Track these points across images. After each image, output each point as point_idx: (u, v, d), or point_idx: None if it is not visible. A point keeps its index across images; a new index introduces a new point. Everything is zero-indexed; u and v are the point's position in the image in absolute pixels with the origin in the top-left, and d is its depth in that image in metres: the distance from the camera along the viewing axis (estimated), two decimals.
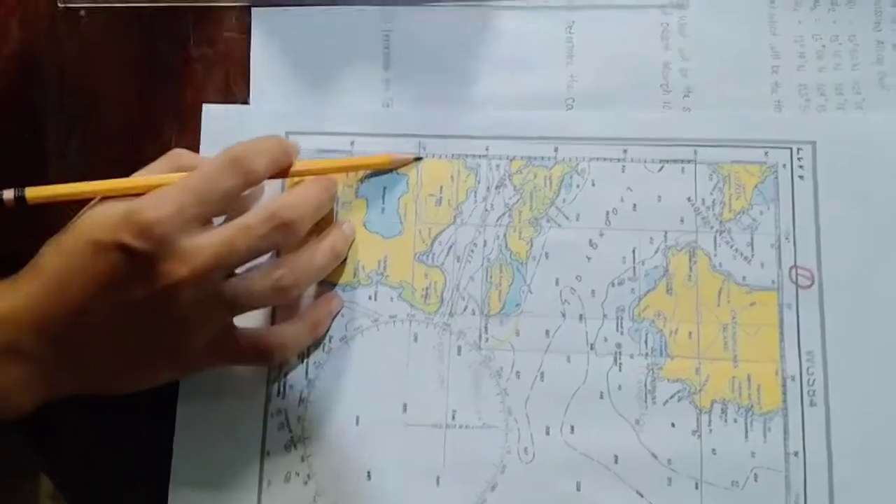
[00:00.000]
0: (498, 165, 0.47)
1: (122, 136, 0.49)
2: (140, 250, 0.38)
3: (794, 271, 0.45)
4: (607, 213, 0.46)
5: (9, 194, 0.41)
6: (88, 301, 0.39)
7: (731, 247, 0.45)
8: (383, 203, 0.47)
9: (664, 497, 0.43)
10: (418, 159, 0.47)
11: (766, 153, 0.46)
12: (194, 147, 0.48)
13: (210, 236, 0.40)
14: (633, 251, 0.46)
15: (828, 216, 0.45)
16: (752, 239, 0.45)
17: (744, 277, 0.45)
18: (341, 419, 0.45)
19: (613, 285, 0.46)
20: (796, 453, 0.43)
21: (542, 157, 0.47)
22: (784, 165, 0.46)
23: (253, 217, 0.40)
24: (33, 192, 0.41)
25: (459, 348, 0.45)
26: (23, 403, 0.40)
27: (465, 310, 0.46)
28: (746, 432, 0.44)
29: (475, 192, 0.47)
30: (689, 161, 0.46)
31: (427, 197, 0.47)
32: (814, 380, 0.44)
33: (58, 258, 0.40)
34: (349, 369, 0.46)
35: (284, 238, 0.41)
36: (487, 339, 0.45)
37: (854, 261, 0.45)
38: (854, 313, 0.44)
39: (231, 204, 0.42)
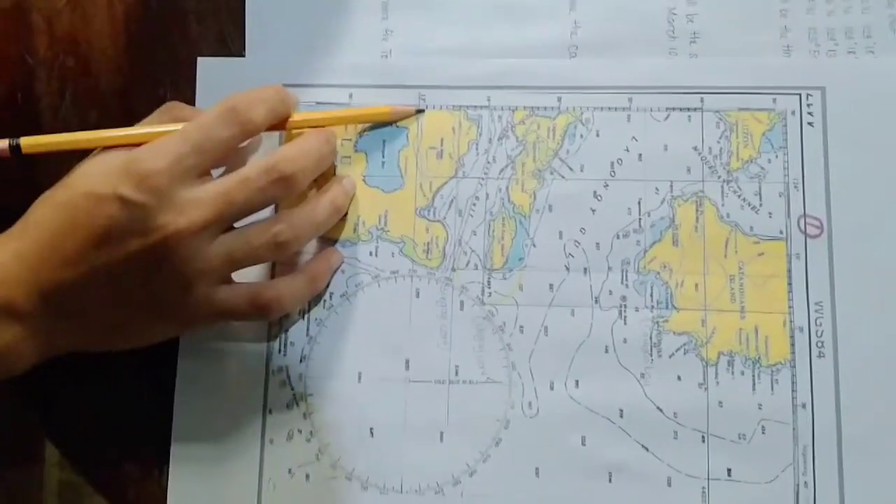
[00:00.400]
0: (500, 116, 0.46)
1: (116, 93, 0.48)
2: (138, 201, 0.37)
3: (802, 220, 0.44)
4: (612, 163, 0.45)
5: (3, 144, 0.40)
6: (85, 255, 0.38)
7: (739, 196, 0.44)
8: (383, 157, 0.46)
9: (670, 450, 0.43)
10: (420, 111, 0.46)
11: (774, 100, 0.45)
12: (189, 103, 0.47)
13: (208, 188, 0.39)
14: (639, 202, 0.45)
15: (837, 163, 0.44)
16: (760, 188, 0.44)
17: (751, 227, 0.44)
18: (343, 376, 0.44)
19: (618, 237, 0.45)
20: (804, 405, 0.43)
21: (546, 108, 0.46)
22: (793, 112, 0.45)
23: (252, 170, 0.40)
24: (29, 142, 0.40)
25: (462, 303, 0.45)
26: (18, 362, 0.39)
27: (467, 265, 0.45)
28: (754, 384, 0.43)
29: (477, 144, 0.46)
30: (695, 109, 0.45)
31: (428, 150, 0.46)
32: (822, 331, 0.43)
33: (52, 212, 0.39)
34: (351, 326, 0.45)
35: (284, 192, 0.40)
36: (490, 294, 0.45)
37: (864, 209, 0.44)
38: (864, 263, 0.43)
39: (229, 155, 0.41)
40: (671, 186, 0.45)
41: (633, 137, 0.45)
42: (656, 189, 0.45)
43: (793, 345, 0.43)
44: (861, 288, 0.43)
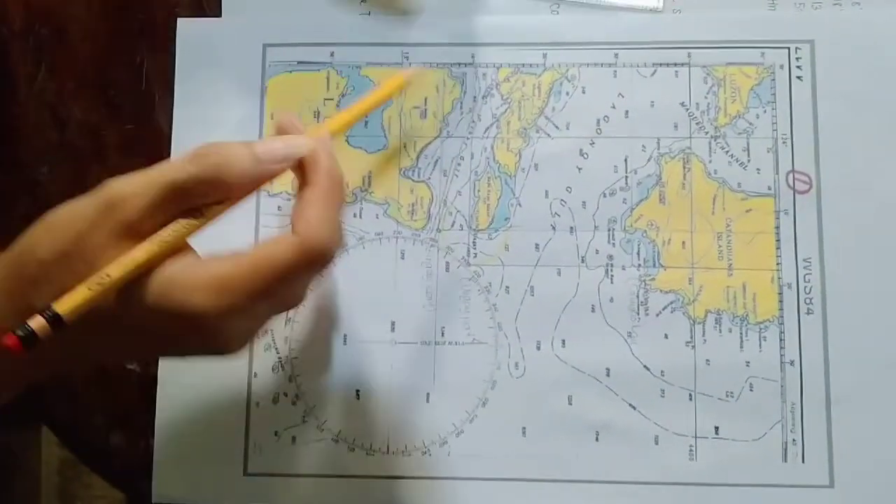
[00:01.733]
0: (484, 74, 0.45)
1: (92, 62, 0.47)
2: (191, 334, 0.34)
3: (791, 176, 0.43)
4: (598, 120, 0.45)
5: (39, 322, 0.30)
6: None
7: (727, 152, 0.44)
8: (366, 116, 0.45)
9: (657, 409, 0.42)
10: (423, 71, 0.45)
11: (762, 54, 0.44)
12: (165, 69, 0.46)
13: (259, 314, 0.35)
14: (625, 160, 0.44)
15: (826, 118, 0.44)
16: (747, 144, 0.44)
17: (739, 184, 0.44)
18: (328, 338, 0.44)
19: (605, 196, 0.44)
20: (792, 362, 0.42)
21: (531, 64, 0.45)
22: (781, 66, 0.44)
23: (301, 294, 0.36)
24: (66, 305, 0.31)
25: (447, 265, 0.44)
26: (11, 391, 0.36)
27: (452, 225, 0.45)
28: (741, 342, 0.43)
29: (461, 103, 0.45)
30: (682, 64, 0.45)
31: (411, 109, 0.45)
32: (811, 287, 0.43)
33: None
34: (336, 288, 0.44)
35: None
36: (476, 255, 0.44)
37: (853, 164, 0.43)
38: (853, 218, 0.43)
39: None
40: (658, 143, 0.44)
41: (620, 94, 0.45)
42: (643, 146, 0.44)
43: (781, 302, 0.43)
44: (850, 244, 0.43)
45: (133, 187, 0.32)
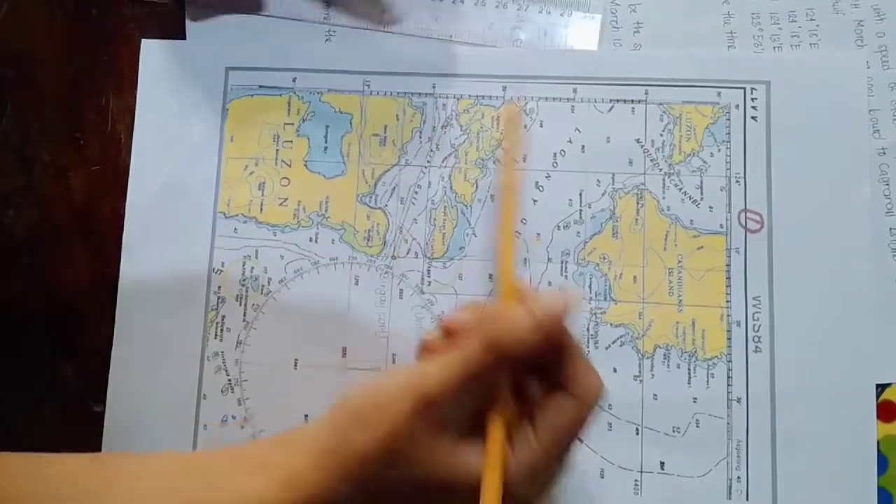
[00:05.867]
0: (445, 104, 0.46)
1: (58, 100, 0.47)
2: None
3: (743, 215, 0.44)
4: (555, 154, 0.45)
5: None
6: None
7: (680, 189, 0.44)
8: (326, 142, 0.46)
9: (604, 442, 0.42)
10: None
11: (718, 93, 0.45)
12: (131, 108, 0.46)
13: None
14: (580, 194, 0.45)
15: (779, 158, 0.44)
16: (701, 182, 0.44)
17: (691, 221, 0.44)
18: (279, 362, 0.44)
19: (559, 228, 0.44)
20: (739, 399, 0.43)
21: (490, 96, 0.46)
22: (737, 106, 0.45)
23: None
24: None
25: (401, 292, 0.44)
26: None
27: (407, 253, 0.45)
28: (689, 378, 0.43)
29: (420, 132, 0.46)
30: (639, 101, 0.45)
31: (371, 136, 0.46)
32: (759, 325, 0.43)
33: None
34: (288, 312, 0.45)
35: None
36: (430, 283, 0.44)
37: (805, 204, 0.44)
38: (803, 258, 0.43)
39: None
40: (613, 178, 0.45)
41: (577, 129, 0.45)
42: (598, 181, 0.45)
43: (729, 339, 0.43)
44: (799, 283, 0.43)
45: (434, 376, 0.32)
